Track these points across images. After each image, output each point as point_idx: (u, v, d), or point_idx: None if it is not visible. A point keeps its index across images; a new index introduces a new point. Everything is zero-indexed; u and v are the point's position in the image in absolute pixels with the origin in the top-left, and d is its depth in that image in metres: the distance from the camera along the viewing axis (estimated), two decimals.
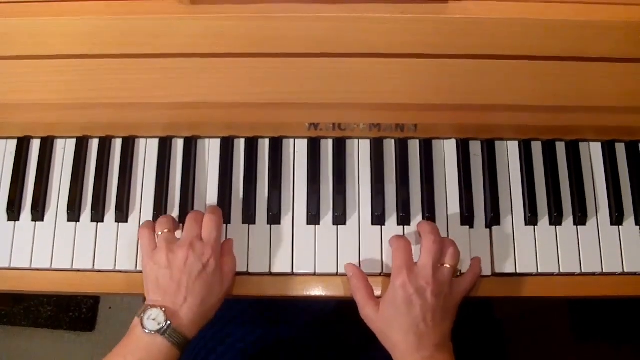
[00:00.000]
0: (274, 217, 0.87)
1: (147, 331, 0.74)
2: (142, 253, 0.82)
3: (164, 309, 0.75)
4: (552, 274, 0.87)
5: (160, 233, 0.81)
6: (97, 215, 0.88)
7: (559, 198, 0.88)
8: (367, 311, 0.80)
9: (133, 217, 0.88)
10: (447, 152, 0.91)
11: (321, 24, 0.78)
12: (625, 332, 1.61)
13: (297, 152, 0.91)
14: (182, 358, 1.00)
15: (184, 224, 0.83)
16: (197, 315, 0.77)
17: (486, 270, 0.86)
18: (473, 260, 0.85)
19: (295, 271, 0.86)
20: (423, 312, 0.76)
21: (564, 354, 1.61)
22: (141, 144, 0.91)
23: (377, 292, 0.83)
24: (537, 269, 0.86)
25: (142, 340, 0.75)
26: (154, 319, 0.75)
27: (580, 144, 0.92)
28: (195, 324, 0.78)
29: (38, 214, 0.88)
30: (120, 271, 0.87)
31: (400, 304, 0.77)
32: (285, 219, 0.88)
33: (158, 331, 0.74)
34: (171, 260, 0.78)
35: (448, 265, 0.79)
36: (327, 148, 0.91)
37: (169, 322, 0.75)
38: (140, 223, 0.87)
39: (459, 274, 0.82)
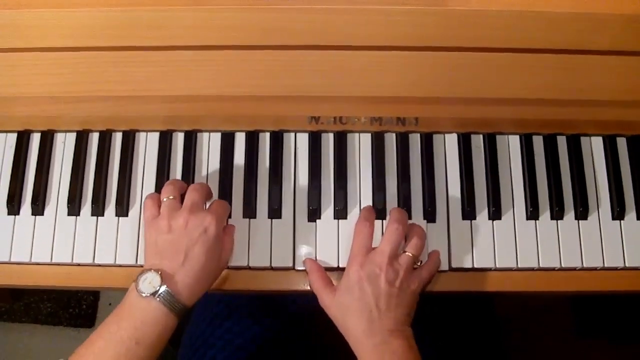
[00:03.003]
0: (275, 212, 0.87)
1: (143, 294, 0.72)
2: (144, 220, 0.81)
3: (159, 272, 0.73)
4: (553, 269, 0.86)
5: (165, 199, 0.80)
6: (98, 210, 0.87)
7: (560, 192, 0.88)
8: (323, 298, 0.80)
9: (133, 212, 0.88)
10: (448, 146, 0.90)
11: (322, 16, 0.77)
12: (626, 330, 1.61)
13: (298, 146, 0.90)
14: (181, 354, 1.00)
15: None
16: (194, 281, 0.75)
17: (488, 265, 0.85)
18: (431, 253, 0.84)
19: (296, 266, 0.86)
20: (375, 297, 0.76)
21: (566, 351, 1.61)
22: (141, 137, 0.91)
23: None
24: (539, 263, 0.85)
25: (136, 305, 0.73)
26: (149, 282, 0.73)
27: (582, 138, 0.91)
28: (192, 289, 0.75)
29: (38, 208, 0.87)
30: (120, 265, 0.86)
31: (352, 289, 0.77)
32: (286, 213, 0.87)
33: (153, 294, 0.72)
34: (172, 225, 0.77)
35: (409, 254, 0.79)
36: (328, 142, 0.90)
37: (164, 286, 0.72)
38: (141, 218, 0.87)
39: (419, 263, 0.81)
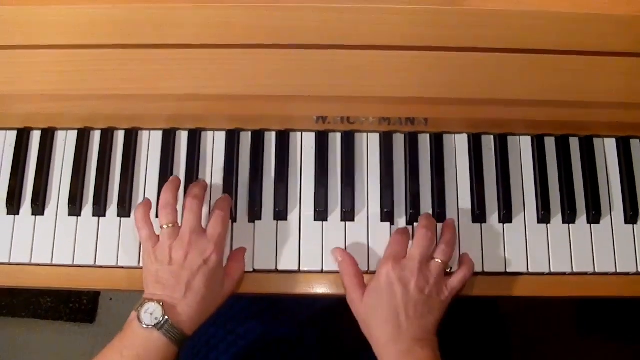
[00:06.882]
0: (281, 213, 0.85)
1: (143, 325, 0.72)
2: (142, 247, 0.80)
3: (161, 303, 0.74)
4: (564, 274, 0.85)
5: (165, 227, 0.79)
6: (99, 210, 0.86)
7: (572, 195, 0.86)
8: (353, 296, 0.79)
9: None
10: (458, 146, 0.88)
11: (331, 15, 0.75)
12: (628, 329, 1.60)
13: (304, 146, 0.88)
14: (184, 355, 0.99)
15: None
16: (196, 312, 0.76)
17: (498, 269, 0.84)
18: (464, 257, 0.83)
19: (301, 268, 0.84)
20: (404, 303, 0.75)
21: (568, 349, 1.60)
22: (144, 136, 0.89)
23: None
24: (550, 268, 0.84)
25: (138, 335, 0.73)
26: (151, 313, 0.73)
27: (595, 139, 0.89)
28: (194, 320, 0.76)
29: (38, 207, 0.85)
30: (122, 267, 0.85)
31: (382, 292, 0.76)
32: (292, 215, 0.86)
33: (155, 326, 0.72)
34: (172, 257, 0.76)
35: (438, 260, 0.78)
36: (336, 142, 0.88)
37: (166, 317, 0.73)
38: None
39: (449, 270, 0.80)
